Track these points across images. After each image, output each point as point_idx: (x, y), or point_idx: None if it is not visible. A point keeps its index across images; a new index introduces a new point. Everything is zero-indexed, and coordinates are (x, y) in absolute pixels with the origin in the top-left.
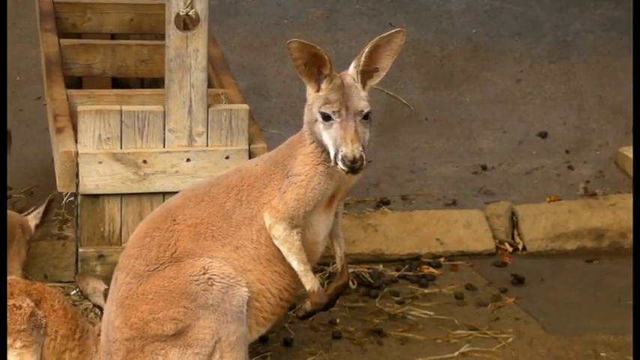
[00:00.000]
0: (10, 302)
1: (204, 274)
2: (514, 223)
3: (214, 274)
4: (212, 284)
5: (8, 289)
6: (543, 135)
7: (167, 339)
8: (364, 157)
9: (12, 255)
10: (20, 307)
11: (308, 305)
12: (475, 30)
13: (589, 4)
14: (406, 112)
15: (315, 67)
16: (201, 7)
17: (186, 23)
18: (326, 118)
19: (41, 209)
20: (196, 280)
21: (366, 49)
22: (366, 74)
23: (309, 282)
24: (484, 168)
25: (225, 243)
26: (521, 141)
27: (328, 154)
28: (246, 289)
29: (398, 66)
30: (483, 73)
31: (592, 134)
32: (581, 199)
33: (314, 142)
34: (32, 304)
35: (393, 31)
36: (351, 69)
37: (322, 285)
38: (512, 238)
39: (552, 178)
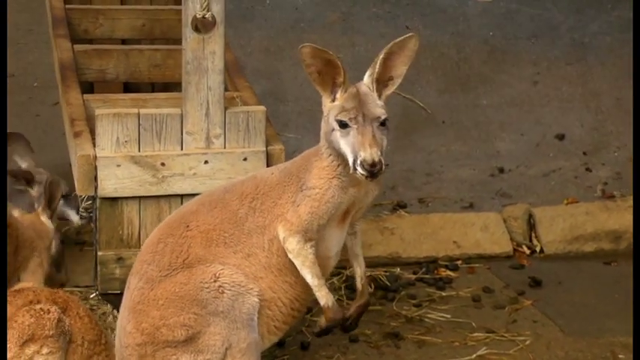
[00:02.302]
0: (37, 307)
1: (215, 281)
2: (531, 225)
3: (225, 282)
4: (222, 292)
5: (35, 296)
6: (560, 137)
7: (178, 345)
8: (383, 161)
9: (34, 267)
10: (49, 312)
11: (323, 321)
12: (491, 32)
13: (606, 6)
14: (423, 115)
15: (330, 75)
16: (217, 10)
17: (202, 26)
18: (343, 125)
19: (43, 199)
20: (207, 287)
21: (380, 56)
22: (381, 83)
23: (324, 297)
24: (501, 170)
25: (236, 250)
26: (538, 143)
27: (345, 166)
28: (256, 298)
29: (414, 69)
30: (500, 76)
31: (609, 136)
32: (598, 201)
33: (330, 155)
34: (59, 310)
35: (406, 36)
36: (366, 78)
37: (340, 288)
38: (530, 240)
39: (570, 180)
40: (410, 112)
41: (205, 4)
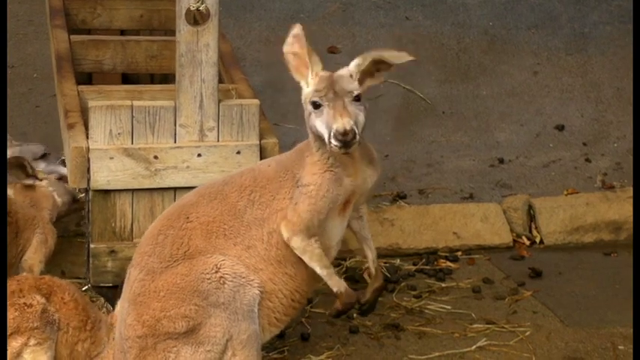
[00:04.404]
0: (21, 301)
1: (216, 272)
2: (531, 216)
3: (226, 273)
4: (224, 283)
5: (17, 286)
6: (560, 127)
7: (179, 336)
8: (356, 131)
9: (36, 245)
10: (31, 306)
11: (338, 305)
12: (492, 22)
13: None
14: (423, 106)
15: (302, 59)
16: (211, 2)
17: (196, 18)
18: (317, 106)
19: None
20: (208, 279)
21: (372, 57)
22: (365, 73)
23: (335, 284)
24: (501, 161)
25: (236, 242)
26: (538, 134)
27: (335, 158)
28: (257, 289)
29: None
30: (500, 66)
31: (609, 126)
32: (598, 192)
33: (320, 149)
34: (43, 300)
35: (402, 57)
36: (352, 65)
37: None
38: (530, 231)
39: (570, 170)
40: (410, 102)
41: None
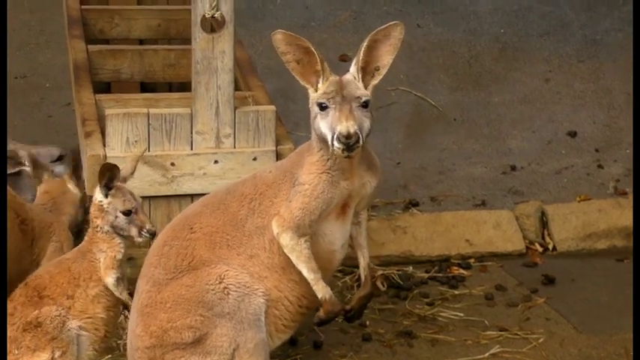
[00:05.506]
0: (30, 326)
1: (220, 283)
2: (544, 223)
3: (230, 284)
4: (228, 293)
5: (11, 305)
6: (573, 134)
7: (186, 347)
8: (360, 135)
9: (50, 255)
10: (39, 325)
11: (321, 313)
12: (503, 30)
13: (617, 2)
14: (434, 113)
15: (310, 65)
16: (226, 9)
17: (212, 25)
18: (323, 108)
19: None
20: (212, 289)
21: (365, 44)
22: (367, 74)
23: (320, 291)
24: (513, 168)
25: (240, 252)
26: (550, 140)
27: (334, 160)
28: (262, 298)
29: (426, 67)
30: (512, 73)
31: (621, 133)
32: (611, 198)
33: (320, 150)
34: (45, 309)
35: (392, 23)
36: (352, 67)
37: (352, 287)
38: (542, 238)
39: (582, 177)
40: (421, 110)
41: (214, 3)
